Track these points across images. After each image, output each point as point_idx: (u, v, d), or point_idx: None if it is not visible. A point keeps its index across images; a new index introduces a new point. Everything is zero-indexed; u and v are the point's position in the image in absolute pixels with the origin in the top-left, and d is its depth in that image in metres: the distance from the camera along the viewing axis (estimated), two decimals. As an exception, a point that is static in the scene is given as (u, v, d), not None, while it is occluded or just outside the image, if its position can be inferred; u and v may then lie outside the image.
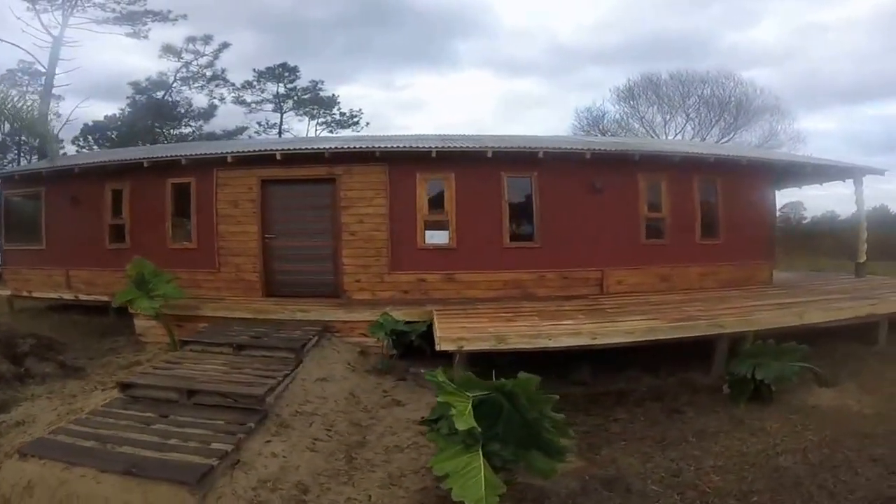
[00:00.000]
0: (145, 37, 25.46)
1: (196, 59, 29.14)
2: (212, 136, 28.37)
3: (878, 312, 6.48)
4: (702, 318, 5.89)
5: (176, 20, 25.82)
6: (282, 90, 31.98)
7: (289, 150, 7.63)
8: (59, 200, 8.88)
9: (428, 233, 7.78)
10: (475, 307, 7.03)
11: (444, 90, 54.45)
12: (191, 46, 28.56)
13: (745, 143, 25.81)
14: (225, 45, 29.34)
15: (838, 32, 41.79)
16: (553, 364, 5.48)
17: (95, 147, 26.44)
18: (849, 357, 6.05)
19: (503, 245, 7.87)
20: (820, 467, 3.64)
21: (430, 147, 7.57)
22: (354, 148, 7.69)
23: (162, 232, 7.94)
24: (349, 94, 52.95)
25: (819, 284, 9.04)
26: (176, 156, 7.82)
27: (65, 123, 24.26)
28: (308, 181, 7.74)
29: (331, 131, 31.99)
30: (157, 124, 28.33)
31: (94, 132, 27.05)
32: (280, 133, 30.90)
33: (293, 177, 7.73)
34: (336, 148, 7.66)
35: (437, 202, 7.80)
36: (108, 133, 27.28)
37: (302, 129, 32.41)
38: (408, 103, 50.86)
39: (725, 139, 26.73)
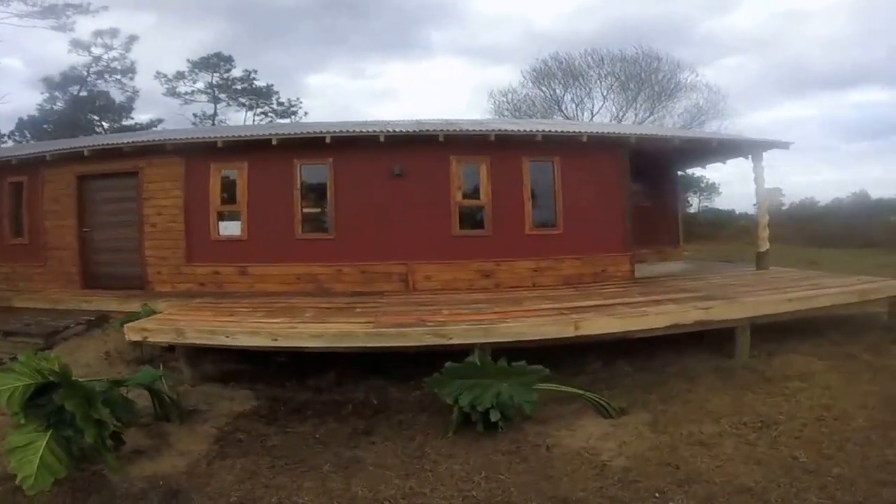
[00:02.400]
0: (71, 30, 25.10)
1: (106, 52, 28.04)
2: (128, 129, 26.52)
3: (705, 319, 5.06)
4: (428, 325, 4.90)
5: (97, 12, 25.31)
6: (216, 80, 31.23)
7: (95, 146, 7.85)
8: None
9: (222, 224, 7.57)
10: (236, 301, 6.68)
11: (417, 79, 53.32)
12: (100, 40, 27.58)
13: (668, 122, 23.53)
14: (133, 38, 28.54)
15: (819, 19, 39.83)
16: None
17: (31, 140, 25.28)
18: (675, 376, 4.82)
19: (295, 237, 7.43)
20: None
21: (216, 137, 7.39)
22: (148, 142, 7.73)
23: (1, 229, 8.57)
24: (319, 83, 50.81)
25: (686, 280, 7.49)
26: (7, 157, 8.41)
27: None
28: (117, 175, 7.90)
29: (270, 122, 30.93)
30: (96, 117, 28.06)
31: (30, 126, 26.43)
32: (213, 124, 30.20)
33: (105, 171, 7.91)
34: (133, 142, 7.75)
35: (231, 193, 7.57)
36: (45, 127, 26.11)
37: (239, 120, 31.59)
38: (379, 92, 50.12)
39: (649, 118, 23.78)
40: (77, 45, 27.22)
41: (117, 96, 28.92)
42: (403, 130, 7.26)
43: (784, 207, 23.26)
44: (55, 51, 39.16)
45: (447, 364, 3.98)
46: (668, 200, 11.19)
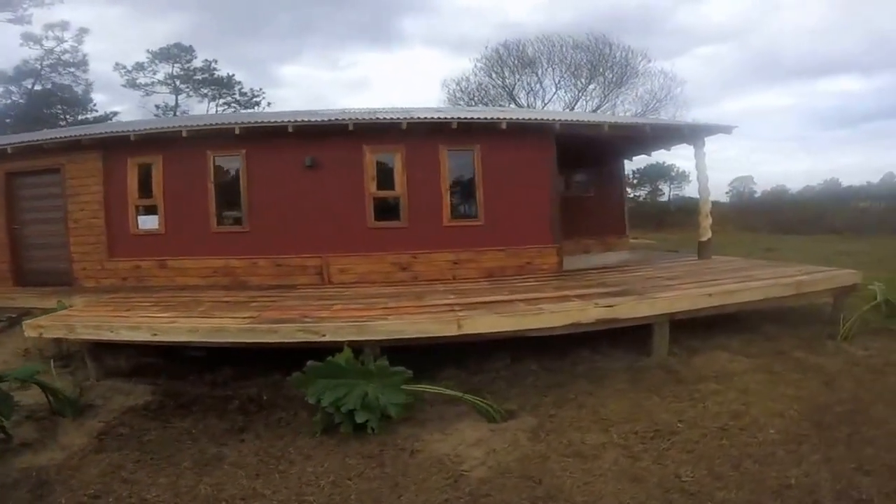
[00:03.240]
0: (28, 22, 25.61)
1: (59, 45, 27.82)
2: (86, 122, 25.63)
3: (608, 317, 4.66)
4: (306, 321, 4.70)
5: (52, 4, 25.82)
6: (177, 71, 30.85)
7: (18, 143, 7.83)
8: None
9: (140, 218, 7.53)
10: (148, 296, 6.58)
11: (391, 69, 52.65)
12: (51, 33, 27.50)
13: (622, 110, 22.76)
14: (84, 31, 28.35)
15: (794, 8, 38.74)
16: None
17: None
18: (582, 376, 4.54)
19: (211, 230, 7.35)
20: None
21: (129, 131, 7.31)
22: (66, 138, 7.68)
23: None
24: (293, 73, 51.61)
25: (615, 273, 7.18)
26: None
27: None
28: (43, 172, 7.89)
29: (234, 112, 30.31)
30: (61, 110, 28.12)
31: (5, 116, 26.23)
32: (175, 115, 29.78)
33: (31, 169, 7.91)
34: (52, 139, 7.73)
35: (147, 186, 7.50)
36: (7, 121, 25.63)
37: (202, 111, 31.11)
38: (354, 83, 49.66)
39: (606, 106, 22.92)
40: (28, 38, 26.98)
41: (79, 90, 28.82)
42: (313, 121, 7.07)
43: (756, 195, 23.04)
44: (6, 45, 37.86)
45: (309, 363, 3.81)
46: (613, 189, 10.85)
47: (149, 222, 7.50)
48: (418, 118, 7.08)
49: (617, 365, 4.73)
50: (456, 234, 7.24)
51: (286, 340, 4.52)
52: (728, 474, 2.89)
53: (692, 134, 8.12)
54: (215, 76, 31.86)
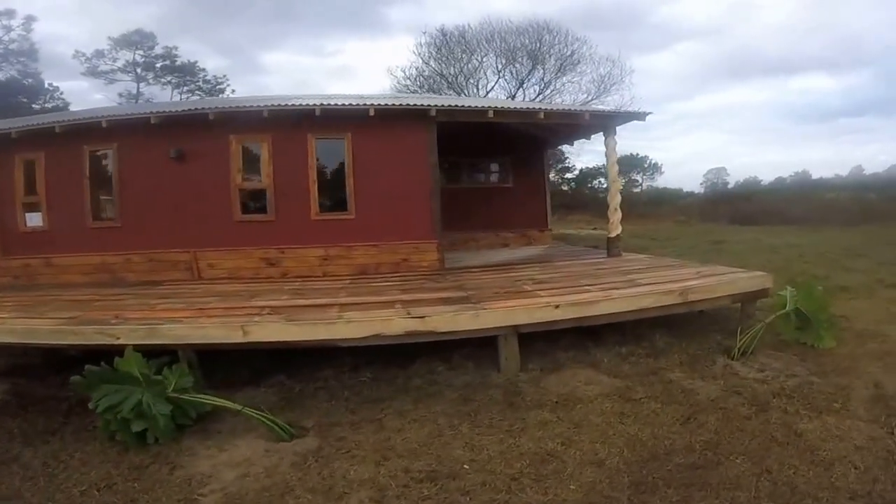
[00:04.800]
0: None
1: (7, 34, 27.19)
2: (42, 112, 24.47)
3: (418, 329, 4.14)
4: (113, 322, 4.57)
5: None
6: (139, 58, 30.22)
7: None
8: None
9: (28, 216, 7.60)
10: (22, 294, 6.67)
11: (376, 57, 52.13)
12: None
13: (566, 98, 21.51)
14: (32, 19, 27.89)
15: (768, 8, 38.86)
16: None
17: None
18: (411, 391, 4.16)
19: (88, 226, 7.36)
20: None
21: (11, 128, 7.39)
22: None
23: None
24: (277, 61, 51.86)
25: (496, 273, 6.66)
26: None
27: None
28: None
29: (200, 99, 28.94)
30: (24, 99, 27.19)
31: None
32: (136, 102, 28.69)
33: None
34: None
35: (31, 183, 7.57)
36: None
37: (166, 98, 30.40)
38: (338, 70, 49.41)
39: (547, 93, 21.86)
40: None
41: (44, 78, 28.49)
42: (174, 111, 7.00)
43: (729, 186, 22.80)
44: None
45: (87, 367, 3.62)
46: (534, 180, 10.46)
47: (34, 219, 7.58)
48: (280, 105, 6.86)
49: (458, 381, 4.25)
50: (325, 229, 7.05)
51: (87, 343, 4.42)
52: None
53: (597, 121, 7.67)
54: (177, 63, 31.70)
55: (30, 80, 28.11)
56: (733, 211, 23.36)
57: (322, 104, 6.80)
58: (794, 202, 20.24)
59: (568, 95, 22.29)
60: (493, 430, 3.41)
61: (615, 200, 8.00)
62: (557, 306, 4.36)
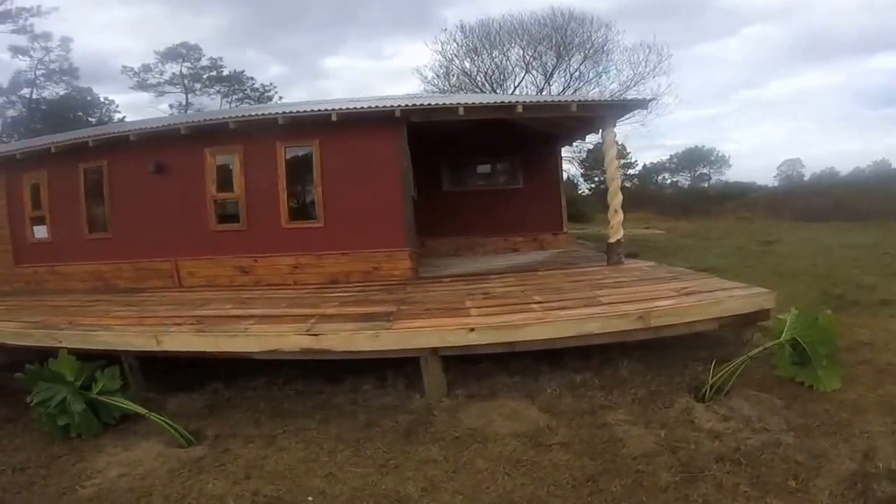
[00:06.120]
0: (31, 31, 27.15)
1: (47, 55, 28.92)
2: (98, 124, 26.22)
3: (313, 347, 3.95)
4: (63, 327, 4.86)
5: (49, 13, 27.27)
6: (185, 70, 31.56)
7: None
8: None
9: (35, 228, 8.14)
10: (21, 301, 7.16)
11: (434, 58, 50.68)
12: (37, 44, 28.52)
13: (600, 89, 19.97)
14: (68, 40, 29.47)
15: None
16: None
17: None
18: (329, 408, 4.00)
19: (84, 237, 7.75)
20: None
21: (15, 150, 7.92)
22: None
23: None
24: (336, 65, 52.92)
25: (472, 283, 6.29)
26: None
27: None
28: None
29: (249, 106, 29.54)
30: (82, 114, 29.26)
31: (16, 126, 27.83)
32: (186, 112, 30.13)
33: None
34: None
35: (37, 200, 8.08)
36: (37, 126, 26.39)
37: (215, 107, 31.43)
38: (397, 72, 48.60)
39: (576, 86, 20.08)
40: (17, 50, 28.71)
41: (82, 94, 30.50)
42: (149, 128, 7.20)
43: (805, 178, 20.46)
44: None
45: (27, 366, 3.91)
46: (546, 181, 9.84)
47: (40, 232, 8.11)
48: (245, 116, 6.90)
49: (378, 402, 4.00)
50: (295, 237, 6.96)
51: (37, 344, 4.69)
52: None
53: (587, 111, 7.04)
54: (223, 73, 33.33)
55: (87, 97, 30.60)
56: (804, 206, 21.25)
57: (285, 112, 6.73)
58: (868, 195, 17.89)
59: (599, 86, 21.04)
60: (367, 463, 3.15)
61: (615, 200, 7.30)
62: (472, 329, 3.87)
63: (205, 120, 7.05)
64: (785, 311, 3.97)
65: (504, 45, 21.76)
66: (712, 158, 39.01)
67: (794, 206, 20.12)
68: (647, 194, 32.48)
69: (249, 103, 32.50)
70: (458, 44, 22.32)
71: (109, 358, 4.29)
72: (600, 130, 7.52)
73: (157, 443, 3.55)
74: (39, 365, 3.89)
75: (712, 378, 3.66)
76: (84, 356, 4.12)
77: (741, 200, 28.49)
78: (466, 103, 6.83)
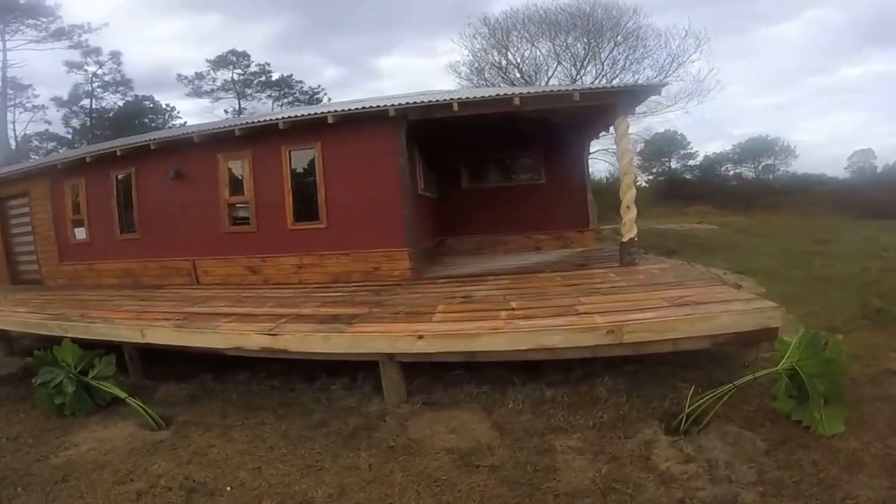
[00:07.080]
0: (86, 46, 29.40)
1: (100, 68, 31.42)
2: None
3: (271, 346, 4.11)
4: (74, 319, 5.42)
5: (99, 29, 29.50)
6: (236, 76, 33.35)
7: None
8: None
9: (76, 230, 8.86)
10: (56, 293, 7.86)
11: None
12: (90, 59, 30.96)
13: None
14: (118, 53, 31.87)
15: None
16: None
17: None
18: (288, 406, 4.17)
19: (117, 238, 8.35)
20: None
21: (55, 160, 8.58)
22: (24, 169, 9.30)
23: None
24: (390, 65, 53.33)
25: (468, 285, 6.12)
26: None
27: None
28: (20, 195, 9.59)
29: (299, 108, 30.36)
30: (146, 120, 31.81)
31: (96, 129, 30.83)
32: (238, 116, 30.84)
33: (16, 193, 9.61)
34: (9, 172, 9.42)
35: (76, 204, 8.78)
36: (103, 132, 29.52)
37: (267, 110, 32.43)
38: (450, 68, 47.66)
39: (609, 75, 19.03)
40: (72, 65, 31.00)
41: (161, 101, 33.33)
42: (165, 137, 7.63)
43: (878, 170, 18.77)
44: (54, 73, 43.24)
45: (35, 352, 4.54)
46: (571, 176, 9.51)
47: (80, 233, 8.81)
48: (248, 123, 7.17)
49: (339, 403, 4.08)
50: (300, 238, 7.16)
51: (50, 334, 5.21)
52: None
53: (591, 101, 6.70)
54: (272, 79, 35.30)
55: (149, 104, 33.16)
56: (872, 200, 19.58)
57: (286, 117, 6.92)
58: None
59: (636, 73, 20.11)
60: (296, 462, 3.28)
61: (628, 196, 6.88)
62: (421, 336, 3.78)
63: (215, 128, 7.37)
64: (813, 327, 3.46)
65: (533, 38, 21.23)
66: (777, 149, 36.27)
67: (859, 200, 18.46)
68: (708, 186, 30.87)
69: (300, 105, 34.02)
70: (483, 38, 21.99)
71: (113, 348, 4.70)
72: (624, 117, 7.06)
73: (132, 424, 3.94)
74: (50, 351, 4.38)
75: (689, 406, 3.21)
76: (91, 346, 4.59)
77: (807, 194, 26.51)
78: (461, 99, 6.74)
